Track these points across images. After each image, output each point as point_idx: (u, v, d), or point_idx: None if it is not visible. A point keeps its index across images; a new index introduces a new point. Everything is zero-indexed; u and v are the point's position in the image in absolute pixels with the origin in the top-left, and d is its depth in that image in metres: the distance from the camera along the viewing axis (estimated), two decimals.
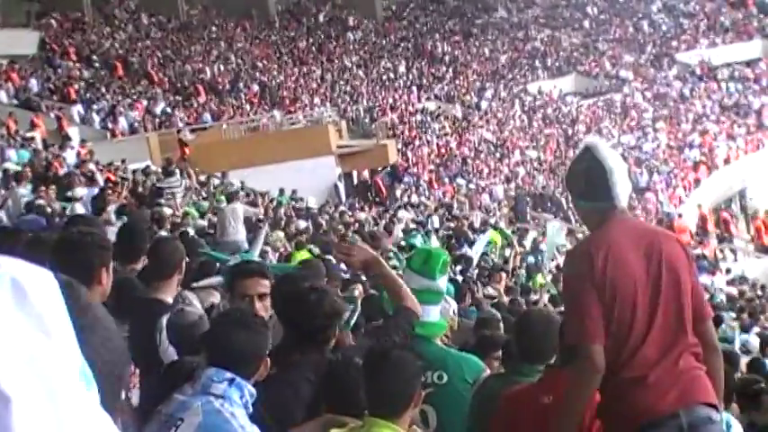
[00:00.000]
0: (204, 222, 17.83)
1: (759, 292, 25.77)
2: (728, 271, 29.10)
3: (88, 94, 34.61)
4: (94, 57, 39.54)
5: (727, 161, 47.40)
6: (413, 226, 25.13)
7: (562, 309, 5.09)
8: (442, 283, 5.25)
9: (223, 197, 20.81)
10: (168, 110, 35.96)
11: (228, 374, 3.51)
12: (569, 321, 4.22)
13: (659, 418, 4.01)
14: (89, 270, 4.16)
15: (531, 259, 22.98)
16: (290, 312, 4.34)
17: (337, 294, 4.54)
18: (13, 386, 0.88)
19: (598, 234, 4.31)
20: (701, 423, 4.03)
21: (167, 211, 16.22)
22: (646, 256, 4.14)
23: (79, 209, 14.64)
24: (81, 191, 16.81)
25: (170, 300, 5.38)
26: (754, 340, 16.20)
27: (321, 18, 55.39)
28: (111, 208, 13.60)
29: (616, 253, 4.12)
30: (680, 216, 37.22)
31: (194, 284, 6.19)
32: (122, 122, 32.58)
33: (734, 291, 25.25)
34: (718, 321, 16.36)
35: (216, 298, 6.55)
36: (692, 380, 4.09)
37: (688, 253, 4.36)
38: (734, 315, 19.58)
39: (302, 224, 21.23)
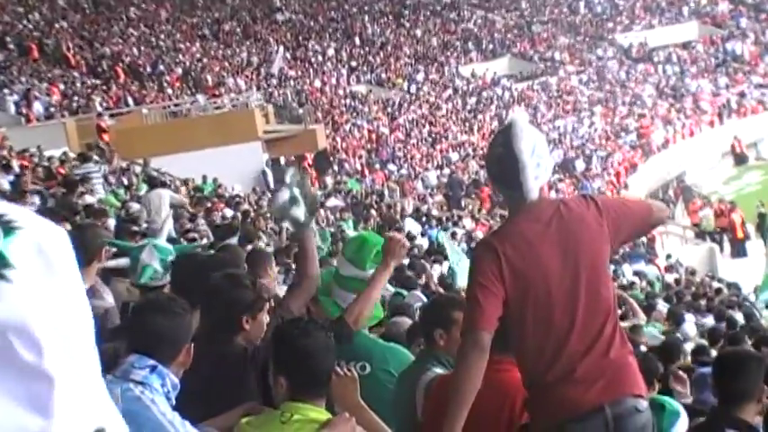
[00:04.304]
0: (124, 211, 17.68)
1: (697, 279, 26.16)
2: (669, 257, 29.54)
3: (1, 78, 34.09)
4: (8, 38, 38.94)
5: (664, 145, 48.08)
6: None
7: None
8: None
9: (144, 185, 20.64)
10: (87, 92, 35.52)
11: (150, 362, 3.54)
12: (465, 310, 4.25)
13: (584, 413, 4.06)
14: None
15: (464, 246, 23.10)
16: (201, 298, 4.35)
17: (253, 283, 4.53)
18: (55, 366, 0.90)
19: (506, 226, 4.38)
20: (626, 414, 4.09)
21: (89, 198, 16.14)
22: (560, 246, 4.16)
23: None
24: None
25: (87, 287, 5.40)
26: (690, 328, 16.46)
27: None
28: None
29: (524, 247, 4.14)
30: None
31: (100, 265, 6.19)
32: (38, 107, 32.15)
33: (670, 278, 25.61)
34: (650, 309, 16.67)
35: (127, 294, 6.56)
36: (620, 370, 4.14)
37: (601, 221, 4.26)
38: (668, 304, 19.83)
39: (228, 212, 21.12)
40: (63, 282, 0.93)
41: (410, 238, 22.36)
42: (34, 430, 0.87)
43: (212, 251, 8.58)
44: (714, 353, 10.76)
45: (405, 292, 10.37)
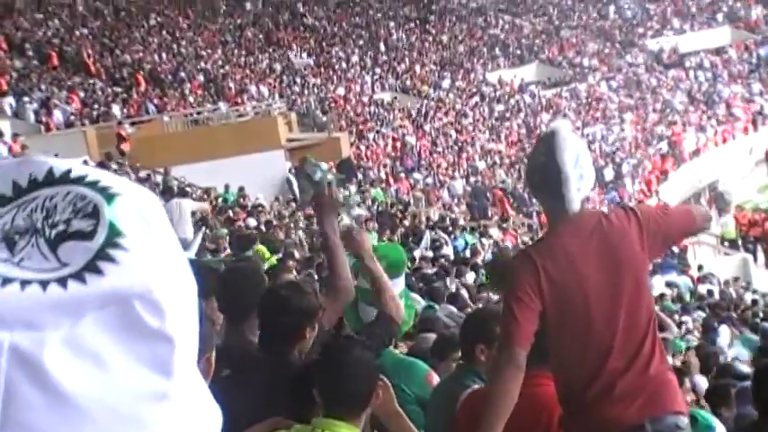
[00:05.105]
0: None
1: (731, 289, 25.98)
2: (700, 268, 29.30)
3: (20, 86, 34.19)
4: (27, 45, 39.07)
5: (696, 153, 47.81)
6: None
7: None
8: (393, 285, 5.16)
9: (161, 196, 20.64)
10: (108, 100, 35.59)
11: None
12: (500, 324, 4.21)
13: (624, 431, 4.03)
14: None
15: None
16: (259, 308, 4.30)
17: (314, 292, 4.47)
18: (175, 328, 0.92)
19: (546, 239, 4.36)
20: None
21: None
22: (601, 260, 4.12)
23: None
24: None
25: None
26: (724, 340, 16.30)
27: (269, 5, 55.13)
28: None
29: (564, 260, 4.11)
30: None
31: None
32: (57, 115, 32.24)
33: (704, 289, 25.43)
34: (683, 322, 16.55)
35: None
36: (660, 386, 4.11)
37: (642, 235, 4.21)
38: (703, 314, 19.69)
39: (251, 222, 21.13)
40: (166, 245, 0.94)
41: (436, 247, 22.29)
42: (159, 390, 0.90)
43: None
44: (745, 368, 10.65)
45: (436, 306, 10.30)
